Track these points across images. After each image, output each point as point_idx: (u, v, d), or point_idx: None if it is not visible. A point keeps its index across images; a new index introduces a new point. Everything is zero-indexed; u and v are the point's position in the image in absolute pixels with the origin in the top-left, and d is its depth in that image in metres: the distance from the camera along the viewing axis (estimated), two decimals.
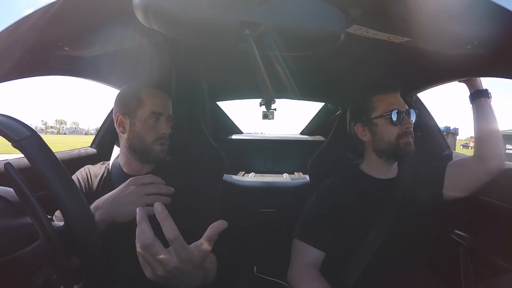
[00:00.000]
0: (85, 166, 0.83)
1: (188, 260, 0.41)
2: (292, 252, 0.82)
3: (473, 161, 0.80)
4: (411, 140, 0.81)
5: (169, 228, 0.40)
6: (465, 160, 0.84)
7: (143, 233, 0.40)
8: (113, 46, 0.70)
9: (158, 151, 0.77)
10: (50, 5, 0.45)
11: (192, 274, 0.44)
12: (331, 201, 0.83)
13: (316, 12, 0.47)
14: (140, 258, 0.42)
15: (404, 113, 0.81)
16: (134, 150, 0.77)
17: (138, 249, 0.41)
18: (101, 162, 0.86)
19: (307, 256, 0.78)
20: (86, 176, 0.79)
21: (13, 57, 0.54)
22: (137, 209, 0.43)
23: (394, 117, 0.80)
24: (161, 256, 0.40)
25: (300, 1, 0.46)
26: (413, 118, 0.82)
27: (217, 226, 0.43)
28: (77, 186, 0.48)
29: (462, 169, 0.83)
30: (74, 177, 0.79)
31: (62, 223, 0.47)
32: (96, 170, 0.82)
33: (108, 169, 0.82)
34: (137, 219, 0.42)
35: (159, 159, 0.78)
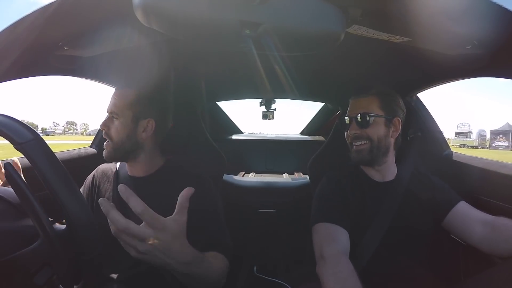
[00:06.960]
0: (99, 166, 0.86)
1: (162, 229, 0.42)
2: (315, 241, 0.73)
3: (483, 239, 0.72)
4: (358, 148, 0.80)
5: (136, 203, 0.41)
6: (477, 224, 0.74)
7: (114, 220, 0.40)
8: (113, 46, 0.70)
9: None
10: (50, 4, 0.45)
11: (173, 246, 0.44)
12: (336, 186, 0.84)
13: (316, 12, 0.47)
14: (122, 243, 0.42)
15: (353, 119, 0.81)
16: None
17: (116, 235, 0.42)
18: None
19: (334, 239, 0.71)
20: (91, 178, 0.83)
21: (12, 56, 0.54)
22: (100, 200, 0.42)
23: (342, 122, 0.84)
24: (137, 231, 0.41)
25: (300, 1, 0.46)
26: (356, 124, 0.80)
27: (186, 192, 0.46)
28: (79, 190, 0.48)
29: (470, 226, 0.75)
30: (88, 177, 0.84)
31: (64, 226, 0.47)
32: (105, 169, 0.85)
33: (117, 169, 0.84)
34: (103, 210, 0.41)
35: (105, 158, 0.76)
